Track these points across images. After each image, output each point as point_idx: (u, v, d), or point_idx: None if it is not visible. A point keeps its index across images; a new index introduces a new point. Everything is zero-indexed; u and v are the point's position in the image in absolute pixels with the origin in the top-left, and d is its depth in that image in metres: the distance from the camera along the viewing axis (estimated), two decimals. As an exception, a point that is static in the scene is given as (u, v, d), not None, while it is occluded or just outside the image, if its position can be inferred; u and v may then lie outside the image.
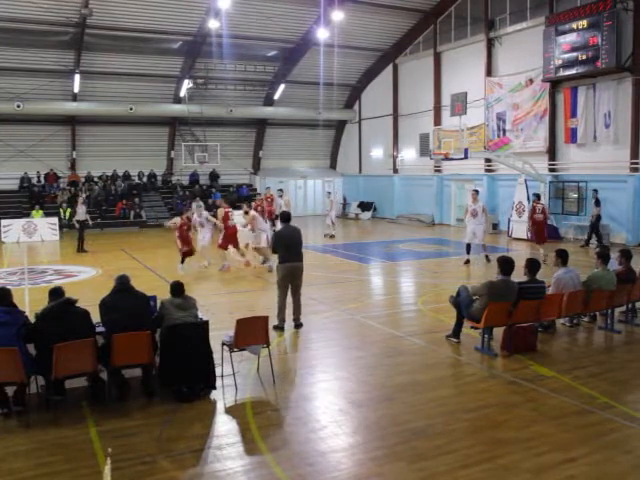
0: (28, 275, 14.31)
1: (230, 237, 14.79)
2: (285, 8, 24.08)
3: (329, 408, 6.06)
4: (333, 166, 34.60)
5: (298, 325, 9.00)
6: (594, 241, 18.03)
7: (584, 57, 18.71)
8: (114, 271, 11.42)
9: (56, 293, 6.18)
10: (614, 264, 9.15)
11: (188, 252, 14.37)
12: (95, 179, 27.94)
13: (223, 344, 6.81)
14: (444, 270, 14.78)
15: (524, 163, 20.46)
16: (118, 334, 5.96)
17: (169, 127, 29.45)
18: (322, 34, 24.36)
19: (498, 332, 7.96)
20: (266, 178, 31.82)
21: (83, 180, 27.70)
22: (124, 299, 6.31)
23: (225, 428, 5.68)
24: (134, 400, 6.24)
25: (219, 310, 9.94)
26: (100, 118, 27.36)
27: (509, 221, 21.08)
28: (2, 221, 22.33)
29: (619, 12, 17.92)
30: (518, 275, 8.07)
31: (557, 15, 19.95)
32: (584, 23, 18.65)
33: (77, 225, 18.58)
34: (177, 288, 6.64)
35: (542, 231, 15.21)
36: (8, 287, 6.48)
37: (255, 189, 31.42)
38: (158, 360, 6.35)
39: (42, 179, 27.17)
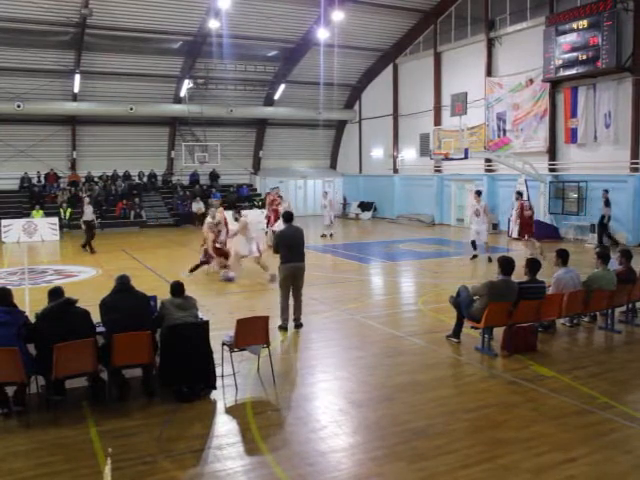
0: (28, 275, 14.31)
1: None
2: (285, 8, 24.09)
3: (329, 408, 6.06)
4: (333, 166, 34.60)
5: (298, 325, 9.01)
6: (606, 241, 17.80)
7: (584, 57, 18.71)
8: (114, 271, 11.41)
9: (56, 293, 6.18)
10: (614, 264, 9.16)
11: (206, 262, 13.88)
12: (95, 179, 27.95)
13: (223, 344, 6.81)
14: (444, 270, 14.79)
15: (524, 163, 20.46)
16: (118, 334, 5.96)
17: (169, 127, 29.45)
18: (322, 34, 24.36)
19: (498, 332, 7.96)
20: (266, 178, 31.85)
21: (83, 180, 27.70)
22: (124, 299, 6.31)
23: (225, 428, 5.68)
24: (134, 400, 6.24)
25: (219, 310, 9.95)
26: (100, 118, 27.36)
27: (509, 221, 21.04)
28: (2, 221, 22.34)
29: (619, 12, 17.92)
30: (518, 275, 8.07)
31: (557, 15, 19.95)
32: (584, 23, 18.65)
33: (84, 226, 18.43)
34: (177, 288, 6.64)
35: (531, 225, 15.92)
36: (8, 287, 6.49)
37: (255, 189, 31.47)
38: (158, 360, 6.35)
39: (42, 179, 27.17)
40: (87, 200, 19.50)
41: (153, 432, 5.45)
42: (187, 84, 27.33)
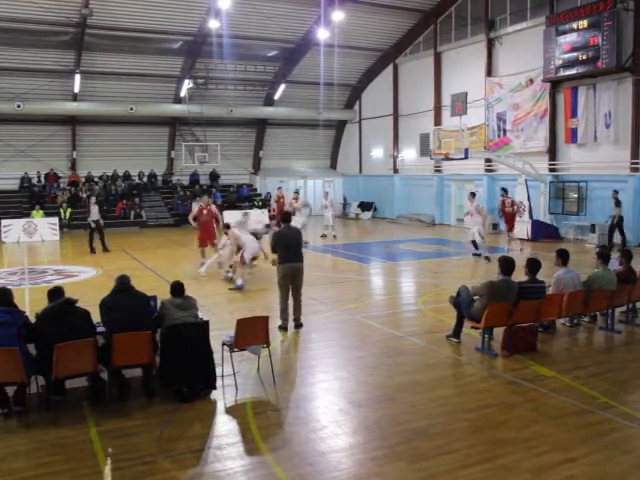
0: (28, 275, 14.31)
1: (205, 233, 14.79)
2: (285, 8, 24.09)
3: (329, 408, 6.06)
4: (333, 166, 34.61)
5: (298, 325, 9.01)
6: (618, 242, 17.54)
7: (584, 57, 18.71)
8: (114, 271, 11.41)
9: (56, 293, 6.18)
10: (615, 264, 9.16)
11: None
12: (95, 179, 27.95)
13: (223, 344, 6.81)
14: (444, 270, 14.79)
15: (524, 163, 20.46)
16: (118, 334, 5.96)
17: (169, 127, 29.46)
18: (322, 34, 24.38)
19: (498, 332, 7.96)
20: (266, 178, 31.86)
21: (83, 180, 27.71)
22: (124, 299, 6.31)
23: (225, 428, 5.68)
24: (134, 400, 6.24)
25: (219, 310, 9.95)
26: (100, 118, 27.37)
27: (509, 221, 21.04)
28: (2, 221, 22.34)
29: (619, 12, 17.92)
30: (519, 275, 8.06)
31: (557, 15, 19.95)
32: (584, 23, 18.65)
33: (93, 225, 18.27)
34: (177, 288, 6.64)
35: (512, 220, 17.29)
36: (9, 287, 6.49)
37: (255, 189, 31.47)
38: (158, 360, 6.35)
39: (42, 179, 27.17)
40: (93, 200, 19.29)
41: (153, 432, 5.45)
42: (187, 84, 27.34)
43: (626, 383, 6.70)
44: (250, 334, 6.69)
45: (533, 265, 7.93)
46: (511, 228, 17.28)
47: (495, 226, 22.75)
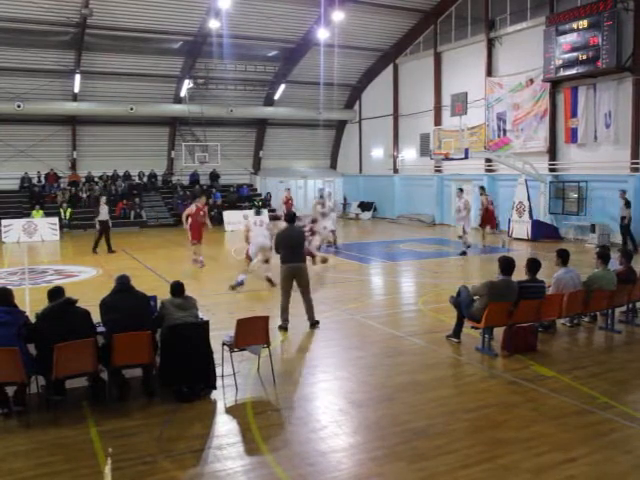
0: (28, 275, 14.31)
1: (198, 232, 15.03)
2: (285, 8, 24.09)
3: (329, 408, 6.06)
4: (333, 166, 34.60)
5: (313, 324, 9.02)
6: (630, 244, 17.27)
7: (584, 57, 18.71)
8: (114, 271, 11.43)
9: (56, 293, 6.18)
10: (615, 264, 9.16)
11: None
12: (95, 179, 27.94)
13: (223, 344, 6.81)
14: (444, 270, 14.79)
15: (524, 163, 20.46)
16: (118, 334, 5.96)
17: (169, 127, 29.46)
18: (322, 34, 24.37)
19: (498, 332, 7.96)
20: (266, 178, 31.86)
21: (83, 180, 27.71)
22: (124, 299, 6.31)
23: (225, 428, 5.68)
24: (134, 400, 6.24)
25: (219, 310, 9.95)
26: (100, 118, 27.37)
27: (509, 221, 21.08)
28: (2, 221, 22.33)
29: (619, 12, 17.91)
30: (519, 275, 8.06)
31: (557, 15, 19.94)
32: (584, 23, 18.65)
33: (98, 225, 18.12)
34: (177, 288, 6.64)
35: (493, 219, 18.33)
36: (9, 287, 6.49)
37: (255, 189, 31.47)
38: (158, 360, 6.35)
39: (42, 179, 27.17)
40: (103, 200, 19.10)
41: (153, 432, 5.45)
42: (187, 84, 27.34)
43: (626, 383, 6.70)
44: (250, 334, 6.69)
45: (533, 265, 7.93)
46: (493, 225, 18.28)
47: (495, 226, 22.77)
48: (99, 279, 13.52)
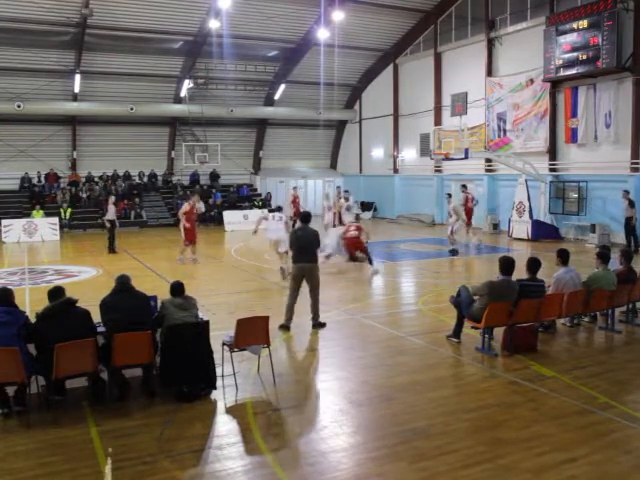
0: (28, 275, 14.31)
1: (193, 231, 15.61)
2: (286, 8, 24.08)
3: (329, 408, 6.06)
4: (333, 166, 34.60)
5: (315, 325, 9.01)
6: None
7: (584, 57, 18.71)
8: (114, 271, 11.42)
9: (56, 293, 6.17)
10: (615, 264, 9.16)
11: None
12: (96, 179, 27.94)
13: (223, 344, 6.80)
14: (444, 270, 14.80)
15: (524, 163, 20.46)
16: (119, 334, 5.96)
17: (170, 127, 29.46)
18: (322, 34, 24.39)
19: (499, 332, 7.96)
20: (266, 178, 31.86)
21: (83, 180, 27.71)
22: (124, 299, 6.30)
23: (225, 428, 5.68)
24: (135, 400, 6.24)
25: (219, 310, 9.95)
26: (101, 118, 27.37)
27: (509, 221, 21.08)
28: (3, 221, 22.32)
29: (619, 12, 17.91)
30: (519, 275, 8.06)
31: (557, 15, 19.95)
32: (584, 23, 18.65)
33: (108, 225, 18.15)
34: (177, 288, 6.64)
35: (471, 214, 18.76)
36: (9, 287, 6.48)
37: (255, 189, 31.47)
38: (159, 360, 6.35)
39: (42, 179, 27.17)
40: (112, 199, 19.05)
41: (153, 432, 5.45)
42: (187, 84, 27.34)
43: (626, 383, 6.70)
44: (250, 334, 6.69)
45: (533, 264, 7.94)
46: (470, 222, 18.73)
47: (495, 226, 22.78)
48: (99, 279, 13.52)
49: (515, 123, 22.24)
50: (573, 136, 20.14)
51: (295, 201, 22.25)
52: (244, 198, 29.68)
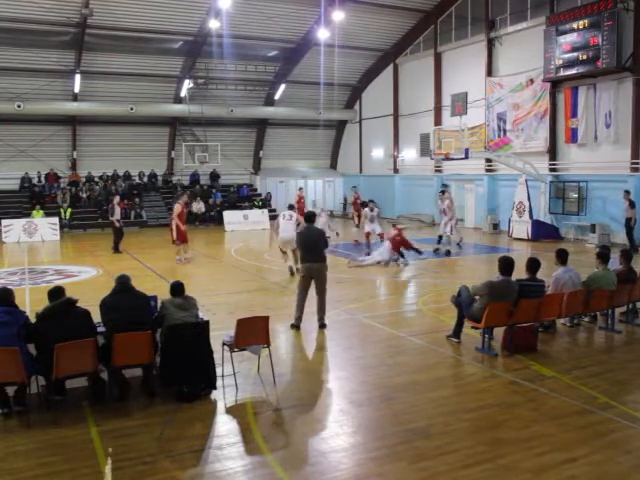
0: (29, 275, 14.31)
1: (182, 234, 15.69)
2: (286, 8, 24.08)
3: (330, 408, 6.06)
4: (334, 166, 34.61)
5: (321, 325, 9.01)
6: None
7: (585, 57, 18.71)
8: (114, 271, 11.42)
9: (57, 293, 6.17)
10: (615, 264, 9.16)
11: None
12: (96, 179, 27.95)
13: (224, 344, 6.80)
14: (444, 270, 14.79)
15: (525, 163, 20.46)
16: (119, 334, 5.96)
17: (170, 127, 29.46)
18: (323, 34, 24.40)
19: (499, 332, 7.95)
20: (266, 178, 31.85)
21: (84, 180, 27.71)
22: (124, 299, 6.30)
23: (226, 428, 5.68)
24: (135, 400, 6.24)
25: (219, 310, 9.95)
26: (101, 118, 27.38)
27: (509, 221, 21.07)
28: (3, 221, 22.33)
29: (619, 12, 17.91)
30: (519, 276, 8.06)
31: (558, 15, 19.95)
32: (585, 23, 18.65)
33: (117, 224, 18.21)
34: (177, 288, 6.64)
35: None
36: (9, 287, 6.49)
37: (255, 189, 31.47)
38: (159, 360, 6.35)
39: (43, 179, 27.17)
40: (117, 200, 19.08)
41: (153, 432, 5.45)
42: (187, 84, 27.35)
43: (626, 383, 6.70)
44: (250, 334, 6.69)
45: (532, 264, 7.94)
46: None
47: (495, 226, 22.77)
48: (99, 279, 13.52)
49: (515, 123, 22.24)
50: (573, 136, 20.14)
51: (300, 202, 22.26)
52: (244, 198, 29.68)
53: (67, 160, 27.94)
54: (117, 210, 18.33)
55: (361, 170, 32.56)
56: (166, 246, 19.96)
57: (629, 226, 17.32)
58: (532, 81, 21.41)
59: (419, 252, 15.46)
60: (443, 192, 18.57)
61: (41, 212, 23.70)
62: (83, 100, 26.46)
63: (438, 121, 25.48)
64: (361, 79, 31.14)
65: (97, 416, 5.83)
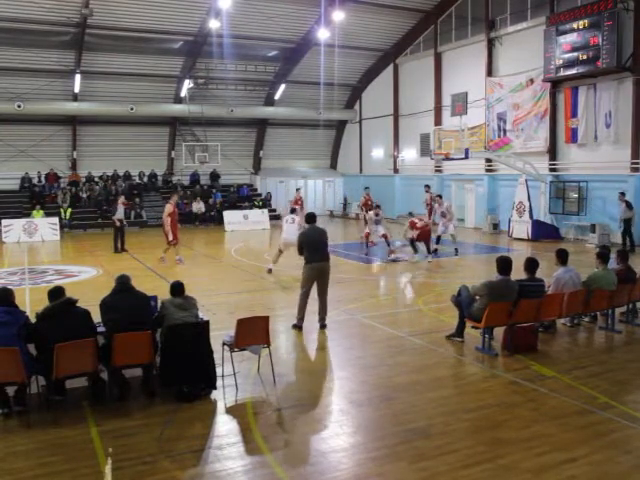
0: (29, 275, 14.31)
1: (175, 233, 15.74)
2: (286, 8, 24.08)
3: (329, 408, 6.06)
4: (334, 166, 34.60)
5: (322, 326, 9.00)
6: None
7: (585, 57, 18.71)
8: (114, 271, 11.42)
9: (57, 293, 6.17)
10: (614, 264, 9.18)
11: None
12: (96, 179, 27.95)
13: (224, 344, 6.80)
14: (445, 270, 14.79)
15: (525, 163, 20.46)
16: (119, 334, 5.96)
17: (170, 127, 29.46)
18: (323, 34, 24.39)
19: (499, 332, 7.96)
20: (267, 178, 31.85)
21: (84, 180, 27.71)
22: (124, 299, 6.31)
23: (226, 428, 5.68)
24: (135, 400, 6.24)
25: (219, 310, 9.95)
26: (101, 118, 27.37)
27: (509, 221, 21.08)
28: (3, 221, 22.32)
29: (619, 12, 17.91)
30: (519, 275, 8.06)
31: (558, 15, 19.95)
32: (585, 23, 18.65)
33: (118, 223, 18.16)
34: (177, 288, 6.64)
35: (429, 213, 19.69)
36: (10, 287, 6.48)
37: (255, 189, 31.47)
38: (159, 360, 6.35)
39: (43, 179, 27.17)
40: (121, 199, 19.06)
41: (153, 432, 5.45)
42: (188, 84, 27.34)
43: (626, 383, 6.70)
44: (250, 334, 6.69)
45: (531, 264, 7.94)
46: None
47: (495, 226, 22.77)
48: (99, 279, 13.52)
49: (515, 123, 22.24)
50: (573, 136, 20.14)
51: (297, 203, 22.28)
52: (244, 198, 29.68)
53: (67, 160, 27.94)
54: (120, 209, 18.30)
55: (361, 170, 32.56)
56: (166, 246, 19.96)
57: (628, 226, 17.30)
58: (532, 81, 21.41)
59: (416, 251, 16.03)
60: (440, 196, 18.59)
61: (41, 212, 23.70)
62: (83, 100, 26.46)
63: (438, 121, 25.48)
64: (361, 79, 31.14)
65: (97, 416, 5.83)
